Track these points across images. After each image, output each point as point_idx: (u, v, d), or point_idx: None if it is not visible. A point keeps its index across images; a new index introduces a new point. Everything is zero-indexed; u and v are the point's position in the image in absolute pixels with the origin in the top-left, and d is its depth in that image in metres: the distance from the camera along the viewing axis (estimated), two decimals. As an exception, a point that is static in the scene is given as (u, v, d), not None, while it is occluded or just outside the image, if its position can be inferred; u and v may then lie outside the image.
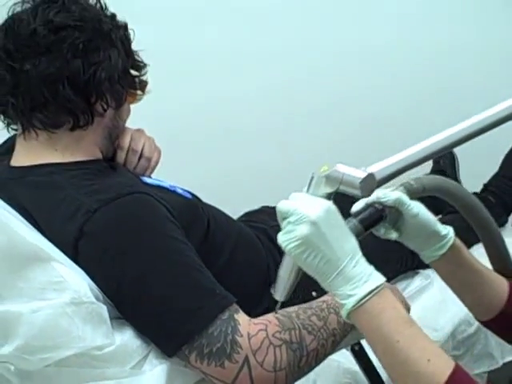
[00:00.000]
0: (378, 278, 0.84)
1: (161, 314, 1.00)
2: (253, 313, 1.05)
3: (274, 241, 1.26)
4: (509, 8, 2.40)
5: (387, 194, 0.97)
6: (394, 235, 1.04)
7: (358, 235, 0.98)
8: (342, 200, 0.91)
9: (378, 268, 1.15)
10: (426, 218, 1.02)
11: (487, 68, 2.44)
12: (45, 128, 1.14)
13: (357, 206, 0.98)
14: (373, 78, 2.39)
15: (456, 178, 2.02)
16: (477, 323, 1.19)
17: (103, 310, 0.97)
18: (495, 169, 2.01)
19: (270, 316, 1.03)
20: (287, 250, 0.83)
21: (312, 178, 0.84)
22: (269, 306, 1.12)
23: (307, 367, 1.04)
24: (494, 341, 1.53)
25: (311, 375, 1.30)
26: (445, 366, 0.82)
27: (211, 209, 1.32)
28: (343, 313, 0.84)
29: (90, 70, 1.12)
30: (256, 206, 1.66)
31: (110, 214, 1.04)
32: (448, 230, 1.04)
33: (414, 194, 1.02)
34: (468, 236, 1.24)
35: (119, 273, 1.01)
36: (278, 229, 0.85)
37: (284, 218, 0.84)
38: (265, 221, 1.48)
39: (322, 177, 0.83)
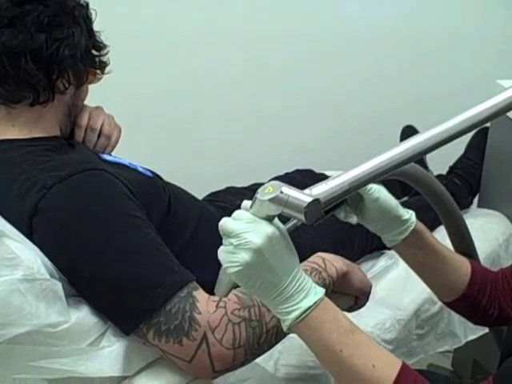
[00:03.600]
0: (317, 293, 0.83)
1: (117, 291, 0.98)
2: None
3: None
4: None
5: None
6: (354, 219, 1.04)
7: (317, 219, 0.97)
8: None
9: (339, 254, 1.15)
10: (387, 202, 1.02)
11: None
12: (4, 102, 1.13)
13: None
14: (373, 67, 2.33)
15: (423, 160, 2.03)
16: (440, 302, 1.20)
17: (58, 286, 0.95)
18: (461, 151, 2.02)
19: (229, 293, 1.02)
20: (227, 272, 0.82)
21: (256, 198, 0.81)
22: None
23: (267, 345, 1.04)
24: (457, 320, 1.54)
25: (274, 354, 1.30)
26: (390, 370, 0.82)
27: (173, 187, 1.31)
28: (284, 327, 0.85)
29: (53, 46, 1.10)
30: (221, 187, 1.65)
31: (66, 191, 1.02)
32: (410, 215, 1.04)
33: None
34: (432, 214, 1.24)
35: (75, 250, 0.99)
36: None
37: (226, 236, 0.82)
38: (229, 200, 1.47)
39: (266, 200, 0.79)
